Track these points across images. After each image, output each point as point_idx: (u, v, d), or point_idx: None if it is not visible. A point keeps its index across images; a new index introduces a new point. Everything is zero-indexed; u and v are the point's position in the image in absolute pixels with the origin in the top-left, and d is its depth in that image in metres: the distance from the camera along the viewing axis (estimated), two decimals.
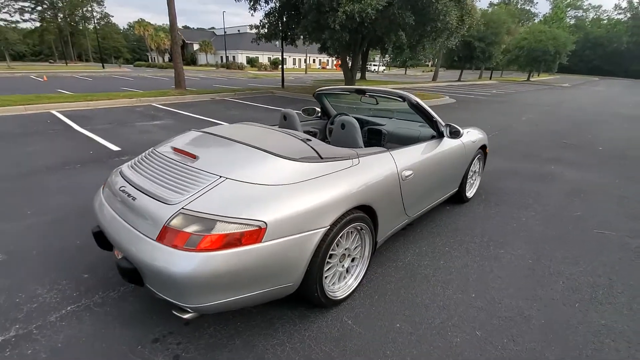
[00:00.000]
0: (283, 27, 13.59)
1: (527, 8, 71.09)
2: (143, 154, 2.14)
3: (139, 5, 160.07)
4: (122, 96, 10.67)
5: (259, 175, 1.68)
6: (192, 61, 65.98)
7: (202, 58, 64.86)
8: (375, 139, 3.41)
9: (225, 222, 1.46)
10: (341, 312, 1.97)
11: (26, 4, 65.29)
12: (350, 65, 15.22)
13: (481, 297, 2.13)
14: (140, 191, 1.71)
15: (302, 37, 13.33)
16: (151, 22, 66.39)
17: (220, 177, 1.66)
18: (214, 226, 1.45)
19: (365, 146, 3.38)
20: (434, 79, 30.68)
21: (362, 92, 3.13)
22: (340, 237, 1.92)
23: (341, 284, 2.06)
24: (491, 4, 54.96)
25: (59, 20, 66.17)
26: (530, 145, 6.45)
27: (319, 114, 3.87)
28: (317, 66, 65.95)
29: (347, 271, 2.09)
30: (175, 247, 1.44)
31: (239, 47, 54.97)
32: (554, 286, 2.25)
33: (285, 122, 2.96)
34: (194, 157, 1.86)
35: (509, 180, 4.35)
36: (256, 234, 1.49)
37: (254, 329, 1.82)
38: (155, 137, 6.06)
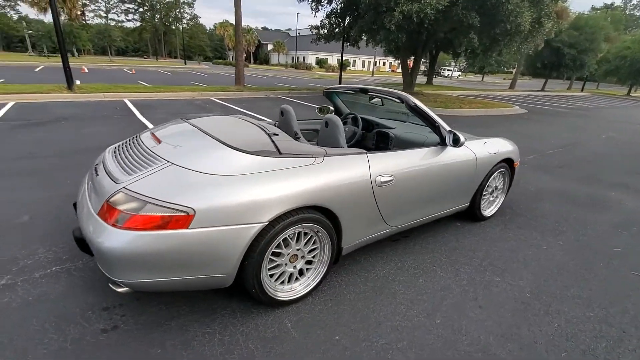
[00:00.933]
0: (344, 28, 13.64)
1: (638, 14, 61.25)
2: (131, 137, 2.34)
3: (226, 7, 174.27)
4: (187, 90, 11.74)
5: (204, 164, 1.72)
6: (265, 61, 69.80)
7: (274, 58, 68.22)
8: (383, 142, 3.26)
9: (154, 204, 1.53)
10: (285, 314, 1.92)
11: (130, 6, 75.58)
12: (410, 68, 14.69)
13: (447, 324, 1.90)
14: (104, 169, 1.87)
15: (361, 38, 13.25)
16: (233, 23, 71.94)
17: (168, 162, 1.73)
18: (143, 207, 1.53)
19: (374, 149, 3.27)
20: (512, 87, 28.15)
21: (365, 91, 3.01)
22: (290, 238, 1.87)
23: (291, 285, 2.01)
24: (593, 8, 48.42)
25: (156, 20, 75.14)
26: (597, 167, 5.56)
27: (332, 112, 3.81)
28: (388, 69, 64.89)
29: (300, 273, 2.04)
30: (108, 222, 1.55)
31: (311, 48, 56.67)
32: (545, 328, 1.92)
33: (282, 118, 2.97)
34: (159, 142, 1.98)
35: (550, 202, 3.81)
36: (183, 220, 1.54)
37: (194, 315, 1.87)
38: None
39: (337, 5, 12.82)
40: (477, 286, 2.26)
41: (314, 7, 12.92)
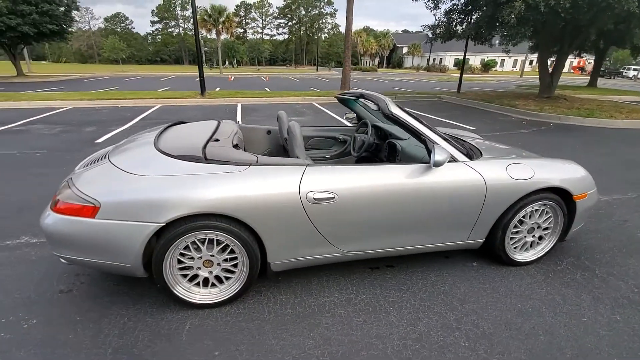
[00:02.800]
0: (468, 25, 12.33)
1: None
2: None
3: (369, 13, 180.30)
4: (294, 95, 12.81)
5: (129, 163, 1.94)
6: (398, 64, 69.28)
7: (408, 61, 67.04)
8: (392, 154, 2.89)
9: (74, 193, 1.82)
10: (192, 317, 1.96)
11: (282, 21, 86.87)
12: (552, 68, 12.12)
13: None
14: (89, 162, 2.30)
15: (473, 34, 11.70)
16: (375, 29, 74.02)
17: (107, 159, 2.02)
18: (66, 195, 1.84)
19: (386, 161, 2.94)
20: None
21: (362, 96, 2.74)
22: (200, 242, 1.90)
23: (209, 290, 2.04)
24: None
25: (301, 32, 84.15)
26: None
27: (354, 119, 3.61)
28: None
29: (219, 280, 2.04)
30: (50, 205, 1.92)
31: (450, 48, 53.32)
32: None
33: (278, 123, 3.00)
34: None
35: None
36: (90, 210, 1.77)
37: (125, 297, 2.11)
38: None
39: (458, 1, 11.67)
40: (427, 345, 1.78)
41: (432, 5, 12.09)
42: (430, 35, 13.28)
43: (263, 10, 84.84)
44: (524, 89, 17.47)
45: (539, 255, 2.53)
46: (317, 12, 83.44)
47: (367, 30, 68.78)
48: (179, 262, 1.94)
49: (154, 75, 28.45)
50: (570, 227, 2.49)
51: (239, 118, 8.61)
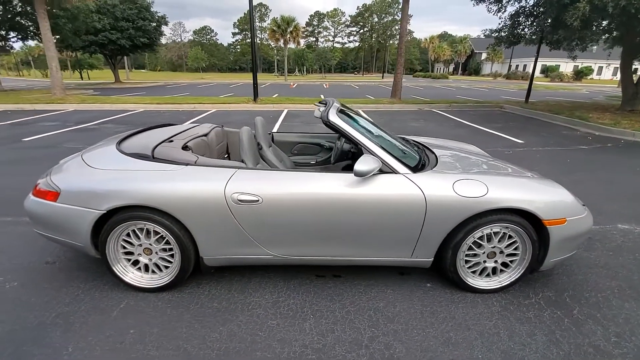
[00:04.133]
0: (540, 29, 11.23)
1: None
2: None
3: (451, 18, 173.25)
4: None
5: (92, 158, 2.26)
6: (475, 71, 65.29)
7: (487, 67, 62.89)
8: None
9: (46, 180, 2.19)
10: (128, 298, 2.19)
11: (354, 29, 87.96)
12: (638, 78, 10.37)
13: None
14: None
15: (533, 39, 10.51)
16: (454, 34, 70.98)
17: (79, 154, 2.37)
18: (43, 181, 2.21)
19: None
20: None
21: (323, 102, 2.77)
22: (139, 231, 2.14)
23: (151, 275, 2.25)
24: None
25: (372, 39, 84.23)
26: None
27: None
28: None
29: (158, 267, 2.25)
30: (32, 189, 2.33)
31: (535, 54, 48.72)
32: None
33: (254, 129, 3.15)
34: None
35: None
36: (54, 195, 2.12)
37: (90, 273, 2.44)
38: None
39: (527, 2, 10.67)
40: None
41: (495, 8, 11.23)
42: (493, 40, 12.34)
43: (335, 19, 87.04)
44: (612, 100, 15.15)
45: (504, 284, 2.27)
46: (390, 19, 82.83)
47: (444, 35, 65.66)
48: (123, 247, 2.20)
49: (225, 83, 31.09)
50: (545, 257, 2.19)
51: (279, 123, 9.03)
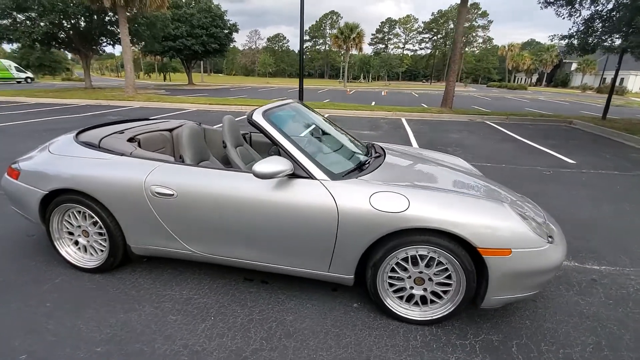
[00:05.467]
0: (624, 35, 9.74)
1: None
2: None
3: (537, 24, 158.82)
4: (384, 109, 12.59)
5: (54, 145, 2.48)
6: (562, 82, 58.98)
7: (576, 79, 56.51)
8: None
9: (16, 161, 2.48)
10: (65, 274, 2.36)
11: (427, 36, 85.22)
12: None
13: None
14: None
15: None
16: (542, 42, 64.96)
17: (48, 144, 2.62)
18: (15, 163, 2.51)
19: None
20: None
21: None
22: (77, 213, 2.31)
23: (90, 256, 2.41)
24: None
25: (446, 46, 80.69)
26: None
27: None
28: None
29: (94, 250, 2.39)
30: None
31: (637, 66, 42.40)
32: None
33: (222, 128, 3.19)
34: None
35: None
36: (16, 174, 2.40)
37: (37, 245, 2.70)
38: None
39: (604, 6, 9.28)
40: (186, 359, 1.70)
41: (565, 12, 9.96)
42: (563, 48, 10.97)
43: (408, 25, 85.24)
44: None
45: (435, 317, 1.97)
46: (467, 25, 78.66)
47: (531, 43, 59.50)
48: (65, 226, 2.39)
49: (284, 87, 32.32)
50: (486, 292, 1.87)
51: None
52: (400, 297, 2.01)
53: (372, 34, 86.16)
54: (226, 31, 26.79)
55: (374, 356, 1.77)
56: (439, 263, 1.88)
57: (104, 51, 20.93)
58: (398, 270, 1.95)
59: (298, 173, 1.97)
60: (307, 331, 1.93)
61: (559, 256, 1.89)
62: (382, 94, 26.52)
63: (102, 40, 18.48)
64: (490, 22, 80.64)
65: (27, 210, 2.41)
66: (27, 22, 15.17)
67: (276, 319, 2.02)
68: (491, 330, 1.98)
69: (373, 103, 16.88)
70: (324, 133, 2.81)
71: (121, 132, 2.61)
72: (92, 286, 2.27)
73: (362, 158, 2.45)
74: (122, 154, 2.26)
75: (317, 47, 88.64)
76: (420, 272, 1.92)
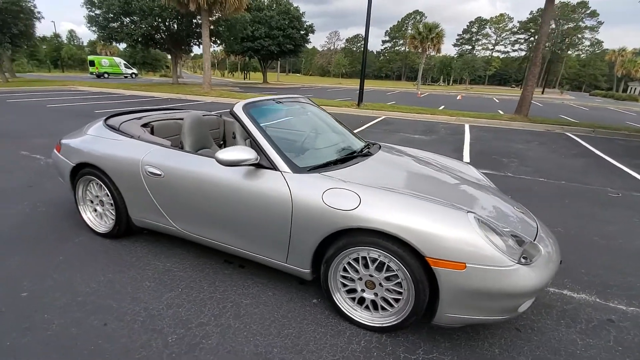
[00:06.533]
0: None
1: None
2: None
3: None
4: (445, 113, 11.92)
5: (88, 126, 2.94)
6: None
7: None
8: None
9: (62, 139, 3.01)
10: (86, 235, 2.80)
11: (521, 37, 77.56)
12: None
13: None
14: None
15: None
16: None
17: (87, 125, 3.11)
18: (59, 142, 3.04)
19: None
20: None
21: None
22: (96, 184, 2.72)
23: (98, 220, 2.84)
24: None
25: (545, 48, 72.55)
26: None
27: None
28: None
29: (105, 216, 2.79)
30: None
31: None
32: None
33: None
34: None
35: None
36: (59, 148, 2.91)
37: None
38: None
39: None
40: (147, 320, 1.90)
41: None
42: None
43: (500, 25, 78.56)
44: None
45: (386, 325, 1.90)
46: (571, 25, 69.80)
47: (624, 50, 49.99)
48: (86, 194, 2.84)
49: (353, 88, 32.32)
50: (436, 306, 1.75)
51: (363, 128, 9.09)
52: (353, 299, 1.98)
53: (458, 35, 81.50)
54: (302, 32, 27.88)
55: (307, 350, 1.79)
56: (390, 269, 1.81)
57: (191, 51, 23.52)
58: (349, 270, 1.92)
59: (263, 164, 2.06)
60: (256, 316, 2.02)
61: (534, 281, 1.68)
62: (458, 98, 24.97)
63: (189, 41, 20.78)
64: (600, 23, 70.37)
65: (64, 179, 2.91)
66: (131, 25, 17.79)
67: (234, 301, 2.14)
68: (447, 352, 1.84)
69: (441, 107, 16.06)
70: (320, 130, 2.86)
71: (139, 118, 2.99)
72: (100, 248, 2.65)
73: (345, 155, 2.44)
74: (131, 137, 2.61)
75: (397, 48, 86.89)
76: (371, 276, 1.87)
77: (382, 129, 9.25)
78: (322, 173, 2.05)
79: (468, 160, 6.16)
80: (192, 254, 2.63)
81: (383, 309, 1.92)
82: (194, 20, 18.69)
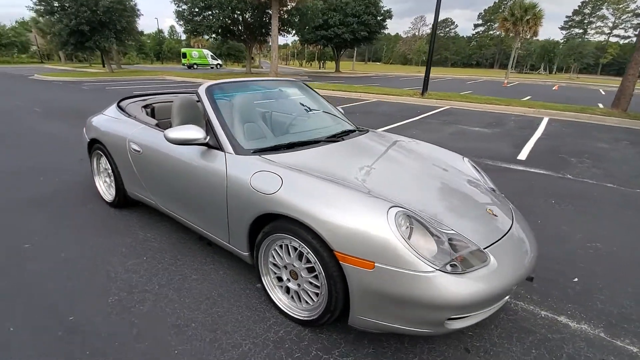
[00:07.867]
0: None
1: None
2: None
3: None
4: (523, 105, 10.59)
5: (106, 108, 3.34)
6: None
7: None
8: None
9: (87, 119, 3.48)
10: (100, 204, 3.22)
11: None
12: None
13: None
14: None
15: None
16: None
17: None
18: None
19: None
20: None
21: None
22: (103, 159, 3.11)
23: (107, 190, 3.22)
24: None
25: None
26: None
27: None
28: None
29: (111, 187, 3.15)
30: None
31: None
32: None
33: None
34: None
35: None
36: (85, 127, 3.38)
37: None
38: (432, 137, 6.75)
39: None
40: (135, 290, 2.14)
41: None
42: None
43: (621, 5, 65.76)
44: None
45: (299, 318, 1.83)
46: None
47: None
48: (99, 167, 3.25)
49: (433, 76, 30.56)
50: (349, 305, 1.63)
51: (417, 118, 8.62)
52: (281, 287, 1.95)
53: (567, 17, 70.51)
54: (379, 18, 27.09)
55: (222, 331, 1.82)
56: (309, 260, 1.73)
57: (266, 41, 24.68)
58: (276, 257, 1.89)
59: (211, 143, 2.12)
60: (195, 291, 2.12)
61: (462, 294, 1.46)
62: (553, 88, 21.94)
63: (263, 31, 21.84)
64: None
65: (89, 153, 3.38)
66: (212, 17, 19.39)
67: (183, 274, 2.27)
68: (366, 359, 1.70)
69: (527, 98, 14.29)
70: (297, 114, 2.82)
71: (143, 100, 3.29)
72: (104, 215, 3.03)
73: (311, 139, 2.36)
74: (129, 116, 2.90)
75: (490, 32, 78.87)
76: (294, 266, 1.81)
77: (440, 119, 8.62)
78: (264, 156, 2.02)
79: (523, 158, 5.44)
80: (173, 229, 2.84)
81: (306, 301, 1.85)
82: (267, 11, 19.59)
